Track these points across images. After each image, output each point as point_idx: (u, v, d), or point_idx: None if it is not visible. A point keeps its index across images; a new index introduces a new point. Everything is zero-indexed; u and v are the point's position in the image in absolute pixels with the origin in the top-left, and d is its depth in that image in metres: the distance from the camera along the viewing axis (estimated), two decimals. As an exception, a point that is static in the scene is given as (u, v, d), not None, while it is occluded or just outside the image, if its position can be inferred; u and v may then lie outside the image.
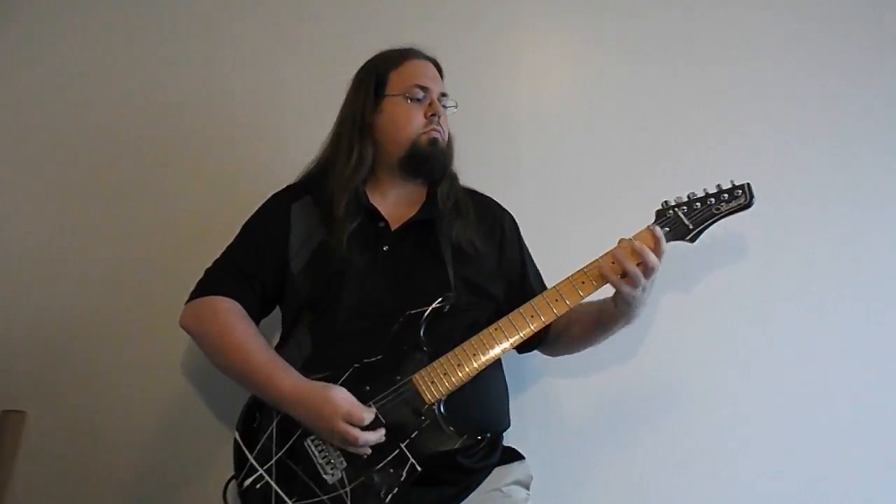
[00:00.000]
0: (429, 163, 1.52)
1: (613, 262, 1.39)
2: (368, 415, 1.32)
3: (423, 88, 1.52)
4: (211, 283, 1.49)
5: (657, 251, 1.39)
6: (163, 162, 1.90)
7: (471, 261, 1.50)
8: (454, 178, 1.59)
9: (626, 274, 1.37)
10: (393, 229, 1.51)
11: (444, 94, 1.56)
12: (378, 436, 1.32)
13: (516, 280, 1.57)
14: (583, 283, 1.42)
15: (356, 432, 1.30)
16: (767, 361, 1.85)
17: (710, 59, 1.99)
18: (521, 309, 1.42)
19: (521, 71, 1.96)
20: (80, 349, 1.81)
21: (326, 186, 1.52)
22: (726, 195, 1.49)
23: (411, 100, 1.52)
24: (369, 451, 1.32)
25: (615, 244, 1.42)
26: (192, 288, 1.49)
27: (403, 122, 1.51)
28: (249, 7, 1.97)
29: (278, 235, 1.50)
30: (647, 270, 1.37)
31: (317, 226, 1.50)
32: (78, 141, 1.90)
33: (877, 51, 1.98)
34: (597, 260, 1.42)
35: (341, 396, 1.32)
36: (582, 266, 1.43)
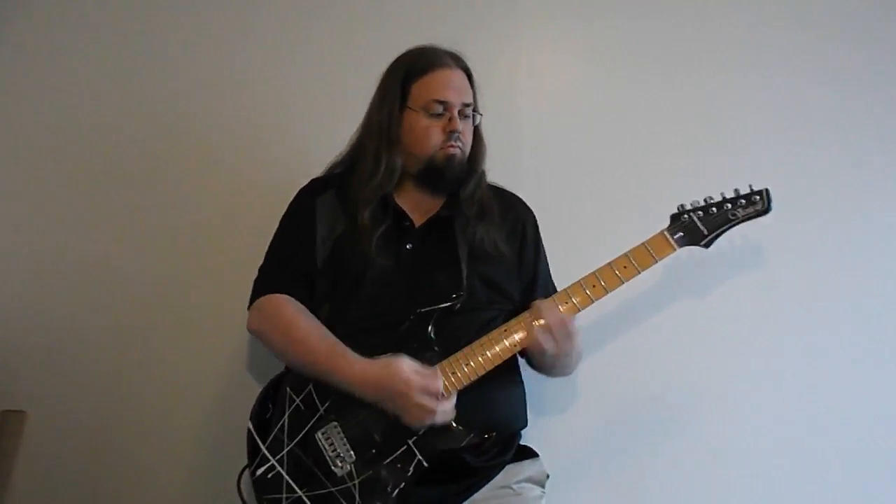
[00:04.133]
0: (444, 179, 1.51)
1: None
2: (440, 382, 1.34)
3: (443, 103, 1.49)
4: (265, 283, 1.52)
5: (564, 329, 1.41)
6: (168, 163, 1.89)
7: (491, 260, 1.51)
8: (480, 177, 1.58)
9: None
10: (416, 227, 1.53)
11: (467, 105, 1.52)
12: (451, 404, 1.35)
13: (528, 283, 1.58)
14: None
15: (434, 403, 1.32)
16: (784, 367, 1.86)
17: (714, 63, 1.98)
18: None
19: (522, 72, 1.95)
20: (81, 349, 1.82)
21: (351, 185, 1.53)
22: (743, 201, 1.48)
23: (430, 115, 1.49)
24: (450, 419, 1.35)
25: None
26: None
27: (421, 138, 1.49)
28: (257, 7, 1.96)
29: (308, 230, 1.52)
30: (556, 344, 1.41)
31: (338, 221, 1.52)
32: (81, 141, 1.89)
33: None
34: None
35: (409, 369, 1.34)
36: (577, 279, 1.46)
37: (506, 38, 1.96)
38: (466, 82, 1.54)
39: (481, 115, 1.57)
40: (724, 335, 1.87)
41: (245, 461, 1.43)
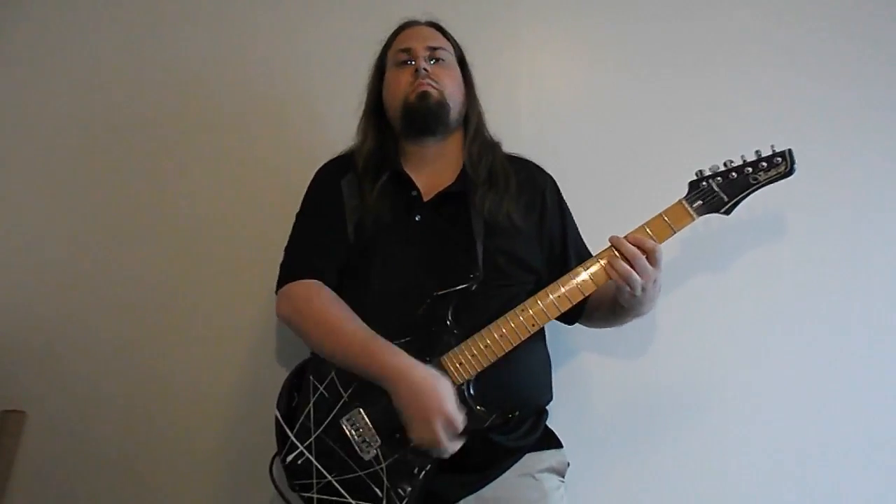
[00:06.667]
0: (422, 118, 1.52)
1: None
2: (461, 424, 1.33)
3: (406, 50, 1.56)
4: (295, 267, 1.52)
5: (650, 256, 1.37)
6: (171, 155, 1.90)
7: (508, 234, 1.49)
8: (493, 147, 1.57)
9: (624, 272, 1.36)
10: (426, 200, 1.51)
11: (434, 48, 1.56)
12: (458, 445, 1.34)
13: (557, 251, 1.56)
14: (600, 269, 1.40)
15: (445, 440, 1.32)
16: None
17: (715, 60, 1.97)
18: (548, 288, 1.42)
19: (522, 72, 1.96)
20: (81, 349, 1.83)
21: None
22: (765, 163, 1.43)
23: (398, 64, 1.56)
24: (447, 456, 1.34)
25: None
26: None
27: (394, 87, 1.55)
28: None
29: (337, 210, 1.53)
30: (641, 274, 1.36)
31: (358, 203, 1.52)
32: (83, 137, 1.90)
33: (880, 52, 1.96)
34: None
35: (449, 393, 1.33)
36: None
37: (506, 38, 1.97)
38: (433, 31, 1.61)
39: (461, 49, 1.61)
40: (751, 320, 1.85)
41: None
